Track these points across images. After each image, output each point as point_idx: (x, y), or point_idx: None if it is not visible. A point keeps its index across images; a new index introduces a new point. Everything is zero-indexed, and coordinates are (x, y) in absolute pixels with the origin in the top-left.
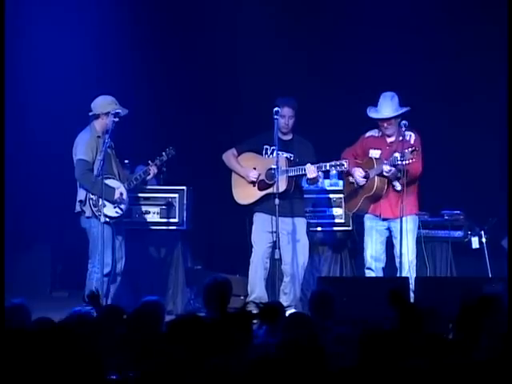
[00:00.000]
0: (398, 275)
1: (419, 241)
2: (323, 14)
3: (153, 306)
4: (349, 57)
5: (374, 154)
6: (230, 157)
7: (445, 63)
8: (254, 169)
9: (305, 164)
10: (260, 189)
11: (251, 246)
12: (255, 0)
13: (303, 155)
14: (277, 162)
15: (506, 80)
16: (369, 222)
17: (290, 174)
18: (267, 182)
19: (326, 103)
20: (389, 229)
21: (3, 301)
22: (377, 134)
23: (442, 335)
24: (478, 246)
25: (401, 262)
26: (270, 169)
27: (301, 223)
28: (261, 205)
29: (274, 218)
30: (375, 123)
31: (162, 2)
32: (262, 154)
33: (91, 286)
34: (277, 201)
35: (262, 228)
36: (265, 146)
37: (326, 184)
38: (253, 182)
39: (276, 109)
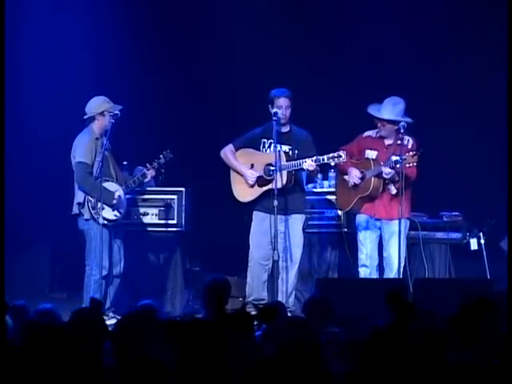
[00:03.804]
0: (386, 275)
1: (418, 242)
2: (322, 12)
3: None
4: (348, 55)
5: (371, 154)
6: (228, 154)
7: (445, 63)
8: (252, 165)
9: (304, 156)
10: (260, 185)
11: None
12: None
13: (302, 147)
14: (276, 159)
15: (506, 81)
16: (363, 221)
17: (289, 170)
18: (266, 177)
19: (326, 102)
20: (379, 229)
21: (3, 301)
22: (374, 135)
23: (440, 336)
24: (476, 248)
25: (399, 263)
26: (268, 164)
27: (298, 220)
28: (260, 203)
29: (272, 216)
30: (373, 123)
31: (161, 2)
32: (260, 149)
33: (89, 289)
34: (275, 202)
35: (259, 229)
36: (262, 140)
37: (326, 185)
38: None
39: (274, 110)
